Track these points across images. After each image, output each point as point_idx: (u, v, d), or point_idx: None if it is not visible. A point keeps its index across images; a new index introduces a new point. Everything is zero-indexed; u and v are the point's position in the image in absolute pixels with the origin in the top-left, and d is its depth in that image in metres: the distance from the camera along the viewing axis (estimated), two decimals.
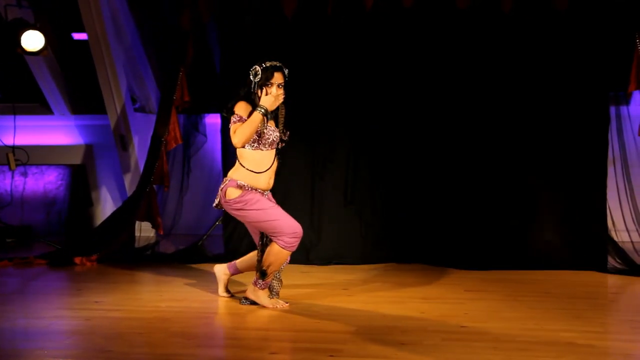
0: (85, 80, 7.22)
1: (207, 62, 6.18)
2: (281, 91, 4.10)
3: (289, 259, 4.25)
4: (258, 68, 4.12)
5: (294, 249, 4.13)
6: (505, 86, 5.54)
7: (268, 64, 4.13)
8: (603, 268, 5.25)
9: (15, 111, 7.06)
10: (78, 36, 7.24)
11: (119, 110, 6.82)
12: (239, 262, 4.44)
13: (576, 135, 5.45)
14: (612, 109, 5.52)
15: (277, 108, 4.17)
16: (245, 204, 4.10)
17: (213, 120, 6.41)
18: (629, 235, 5.50)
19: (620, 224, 5.50)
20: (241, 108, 4.11)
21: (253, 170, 4.12)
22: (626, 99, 5.64)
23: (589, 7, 5.36)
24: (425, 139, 5.67)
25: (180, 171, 6.17)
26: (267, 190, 4.23)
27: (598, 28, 5.37)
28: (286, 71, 4.17)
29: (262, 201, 4.12)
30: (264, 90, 4.10)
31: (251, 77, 4.14)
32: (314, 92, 5.74)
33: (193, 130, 6.23)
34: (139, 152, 6.96)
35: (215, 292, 4.52)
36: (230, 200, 4.12)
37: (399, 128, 5.72)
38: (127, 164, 7.03)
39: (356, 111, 5.74)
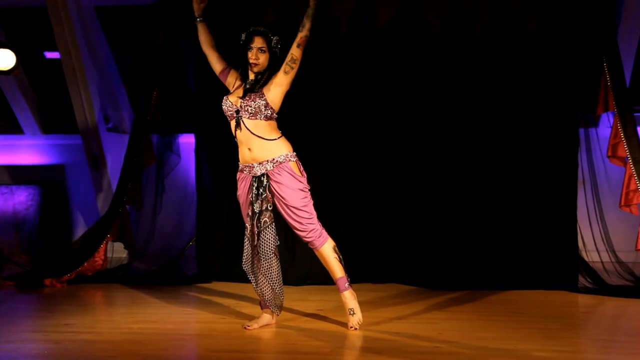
0: (57, 99, 7.15)
1: (182, 81, 6.16)
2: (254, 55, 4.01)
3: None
4: (243, 34, 4.10)
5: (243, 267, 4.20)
6: (475, 107, 5.60)
7: (252, 29, 4.09)
8: (574, 288, 5.32)
9: None
10: (50, 55, 7.19)
11: (91, 130, 6.77)
12: (330, 273, 4.24)
13: (546, 156, 5.54)
14: (582, 131, 5.61)
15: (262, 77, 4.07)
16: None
17: (187, 139, 6.39)
18: (599, 256, 5.56)
19: (590, 244, 5.57)
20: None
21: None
22: (595, 121, 5.74)
23: (558, 31, 5.46)
24: (394, 160, 5.69)
25: (154, 191, 6.12)
26: (253, 163, 4.06)
27: (567, 51, 5.48)
28: (274, 38, 4.10)
29: (240, 196, 4.19)
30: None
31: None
32: (294, 113, 5.73)
33: (167, 150, 6.18)
34: (111, 172, 6.90)
35: (190, 313, 4.48)
36: None
37: (366, 149, 5.73)
38: (100, 184, 6.96)
39: (329, 131, 5.75)
